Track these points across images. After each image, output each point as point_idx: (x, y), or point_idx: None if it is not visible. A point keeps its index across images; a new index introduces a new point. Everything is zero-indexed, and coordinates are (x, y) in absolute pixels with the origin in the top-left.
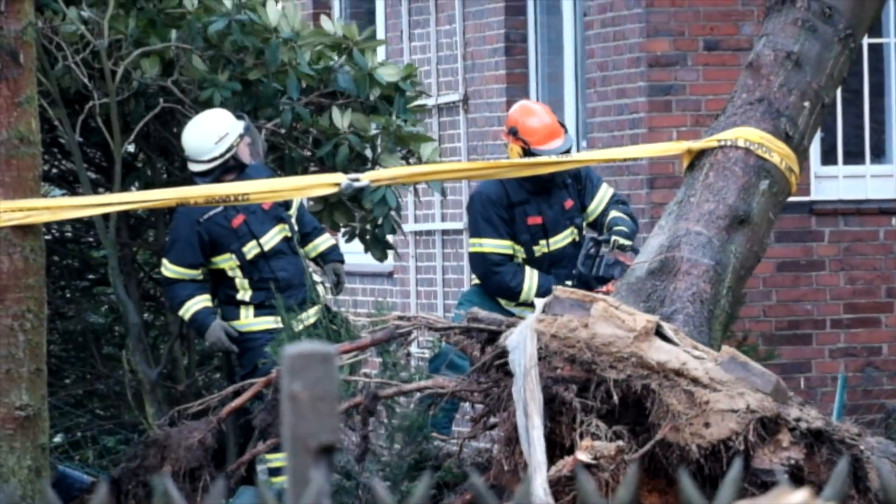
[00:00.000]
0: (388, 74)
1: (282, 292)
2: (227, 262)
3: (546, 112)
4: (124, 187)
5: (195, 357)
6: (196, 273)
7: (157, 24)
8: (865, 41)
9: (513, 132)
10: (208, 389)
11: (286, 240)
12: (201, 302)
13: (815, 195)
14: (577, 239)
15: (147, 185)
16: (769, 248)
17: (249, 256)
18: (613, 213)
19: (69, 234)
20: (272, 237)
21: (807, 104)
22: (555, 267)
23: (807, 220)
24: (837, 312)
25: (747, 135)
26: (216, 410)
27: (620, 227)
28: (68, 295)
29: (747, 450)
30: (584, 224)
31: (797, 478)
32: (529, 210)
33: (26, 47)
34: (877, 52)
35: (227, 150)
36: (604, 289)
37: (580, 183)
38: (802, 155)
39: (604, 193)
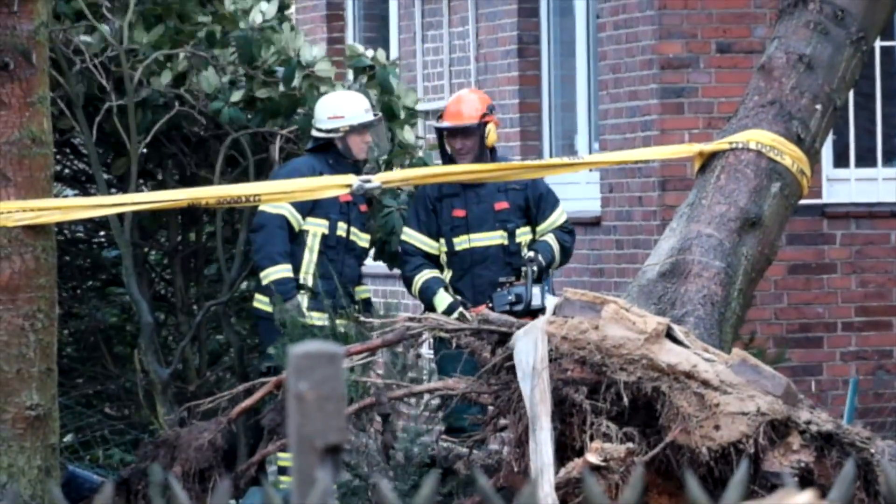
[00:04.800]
0: (411, 101)
1: (337, 289)
2: (317, 227)
3: (464, 98)
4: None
5: (206, 357)
6: (294, 216)
7: (173, 42)
8: (878, 44)
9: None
10: (219, 389)
11: (363, 249)
12: (288, 271)
13: (826, 198)
14: (507, 244)
15: (158, 186)
16: (780, 251)
17: (337, 233)
18: (547, 240)
19: (81, 235)
20: (358, 235)
21: (819, 107)
22: (478, 266)
23: (818, 222)
24: (849, 315)
25: (759, 137)
26: (226, 411)
27: (541, 260)
28: (79, 294)
29: (757, 453)
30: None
31: (807, 481)
32: (456, 203)
33: (39, 47)
34: (889, 55)
35: (332, 131)
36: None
37: (535, 198)
38: (814, 158)
39: (557, 217)
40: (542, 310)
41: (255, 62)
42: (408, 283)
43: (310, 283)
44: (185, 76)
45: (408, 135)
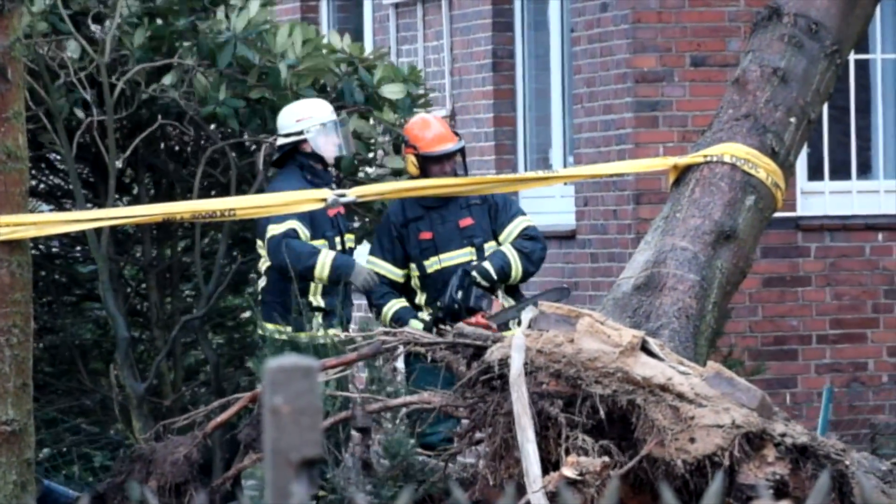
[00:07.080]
0: (391, 92)
1: (346, 298)
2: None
3: (438, 122)
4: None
5: (181, 372)
6: (303, 230)
7: (166, 40)
8: (852, 57)
9: (404, 141)
10: (194, 405)
11: (352, 249)
12: (328, 253)
13: (801, 211)
14: (475, 259)
15: (134, 201)
16: (755, 264)
17: (336, 249)
18: (502, 248)
19: (56, 250)
20: (350, 240)
21: (793, 120)
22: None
23: (793, 235)
24: (823, 328)
25: (733, 150)
26: (202, 425)
27: (484, 265)
28: (55, 310)
29: (732, 465)
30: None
31: (782, 493)
32: (422, 226)
33: (14, 63)
34: (863, 69)
35: (300, 133)
36: (473, 319)
37: (493, 208)
38: (788, 171)
39: (515, 226)
40: (472, 310)
41: (246, 66)
42: (377, 312)
43: (322, 304)
44: (180, 80)
45: (388, 116)
